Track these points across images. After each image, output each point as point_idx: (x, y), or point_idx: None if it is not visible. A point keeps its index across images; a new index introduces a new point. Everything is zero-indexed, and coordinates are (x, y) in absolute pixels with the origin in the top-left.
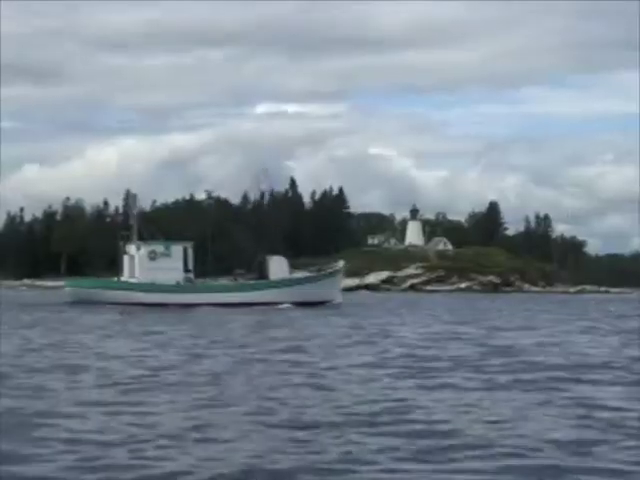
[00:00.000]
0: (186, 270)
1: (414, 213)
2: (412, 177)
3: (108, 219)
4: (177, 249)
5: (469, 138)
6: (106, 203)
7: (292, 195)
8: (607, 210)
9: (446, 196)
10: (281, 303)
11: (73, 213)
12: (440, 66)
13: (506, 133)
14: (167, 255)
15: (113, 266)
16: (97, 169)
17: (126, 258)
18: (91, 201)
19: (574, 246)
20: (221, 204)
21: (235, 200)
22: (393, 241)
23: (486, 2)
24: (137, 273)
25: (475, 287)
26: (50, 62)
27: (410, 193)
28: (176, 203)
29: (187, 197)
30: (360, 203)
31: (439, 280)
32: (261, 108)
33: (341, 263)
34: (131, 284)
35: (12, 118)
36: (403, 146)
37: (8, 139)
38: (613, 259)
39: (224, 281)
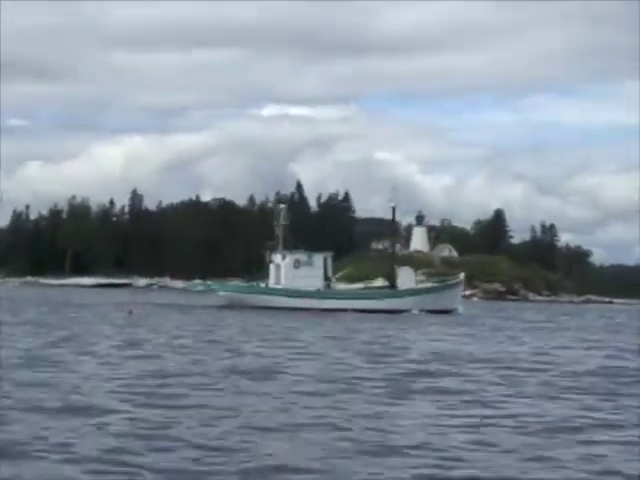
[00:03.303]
0: (326, 278)
1: (420, 219)
2: (417, 183)
3: (114, 218)
4: (318, 258)
5: (475, 145)
6: (112, 202)
7: (298, 198)
8: (612, 220)
9: (451, 203)
10: (411, 310)
11: (79, 212)
12: (447, 72)
13: (512, 141)
14: (309, 264)
15: (119, 266)
16: (103, 168)
17: (272, 266)
18: (97, 200)
19: (579, 256)
20: (227, 206)
21: (240, 202)
22: (398, 247)
23: (496, 9)
24: (282, 280)
25: (479, 295)
26: (56, 61)
27: (415, 199)
28: (183, 204)
29: (193, 198)
30: (365, 208)
31: None
32: (268, 110)
33: (462, 275)
34: (279, 290)
35: (19, 115)
36: (409, 151)
37: (15, 136)
38: (617, 270)
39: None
